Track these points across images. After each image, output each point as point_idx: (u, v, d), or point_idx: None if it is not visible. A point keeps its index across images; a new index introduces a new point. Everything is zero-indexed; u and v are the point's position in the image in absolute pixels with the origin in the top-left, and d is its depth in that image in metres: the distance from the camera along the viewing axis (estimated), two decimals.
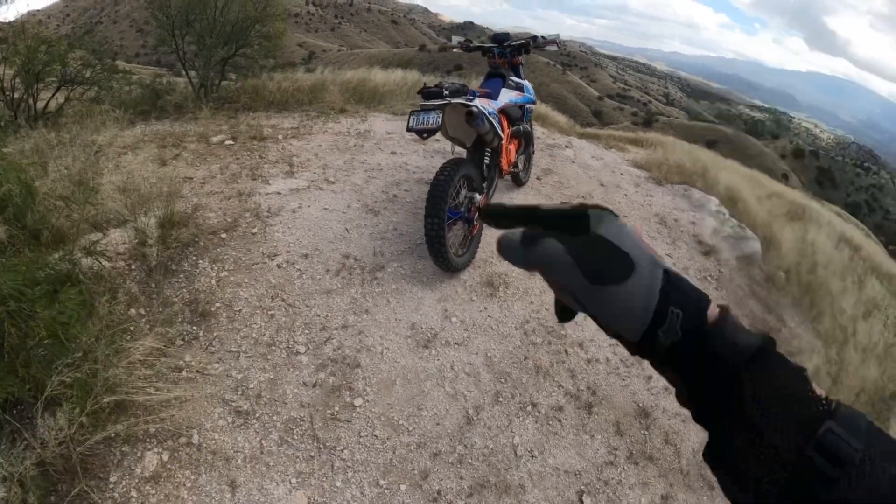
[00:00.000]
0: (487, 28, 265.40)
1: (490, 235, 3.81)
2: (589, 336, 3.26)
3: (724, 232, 4.95)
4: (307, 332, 2.69)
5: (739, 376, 0.35)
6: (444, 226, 2.89)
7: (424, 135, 2.86)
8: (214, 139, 4.58)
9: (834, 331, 4.22)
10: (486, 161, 3.45)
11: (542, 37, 4.16)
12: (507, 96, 3.79)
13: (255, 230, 3.31)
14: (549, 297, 3.27)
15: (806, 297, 4.78)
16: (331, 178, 4.14)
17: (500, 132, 3.39)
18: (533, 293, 3.50)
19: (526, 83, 4.16)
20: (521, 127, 4.05)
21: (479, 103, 3.10)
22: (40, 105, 4.65)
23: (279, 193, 3.76)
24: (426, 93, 2.89)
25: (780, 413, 0.33)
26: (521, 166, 4.58)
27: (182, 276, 2.85)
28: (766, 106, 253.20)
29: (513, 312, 3.26)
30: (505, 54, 4.09)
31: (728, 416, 0.35)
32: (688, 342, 0.37)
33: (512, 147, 3.97)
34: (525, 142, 4.26)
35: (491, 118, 3.19)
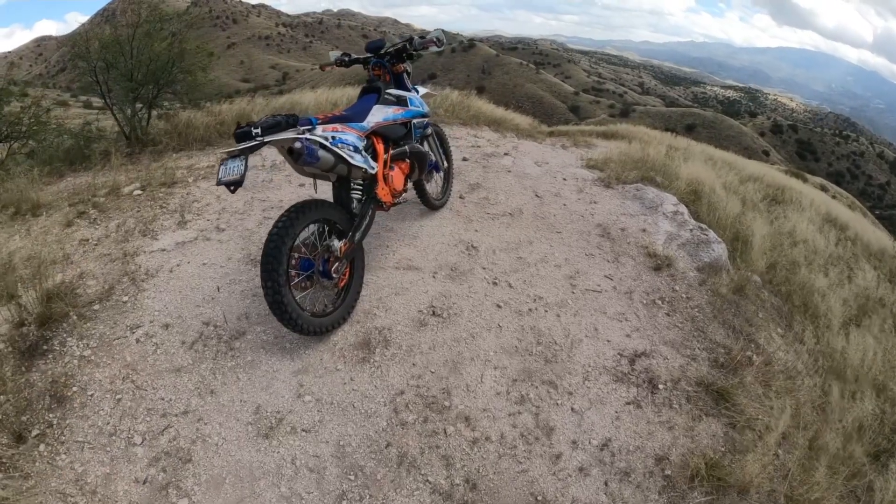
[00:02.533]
0: (458, 34, 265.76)
1: (378, 280, 3.18)
2: (482, 405, 2.57)
3: (682, 238, 4.19)
4: (148, 419, 2.46)
5: None
6: (282, 289, 2.46)
7: (232, 188, 2.28)
8: (125, 190, 4.44)
9: (820, 351, 3.43)
10: (354, 193, 2.97)
11: (420, 37, 3.50)
12: (380, 114, 3.14)
13: (125, 298, 3.12)
14: (438, 354, 2.84)
15: (786, 306, 4.02)
16: (222, 226, 3.91)
17: (360, 161, 2.80)
18: (419, 350, 2.83)
19: (411, 95, 3.48)
20: (407, 147, 3.35)
21: (318, 133, 2.57)
22: None
23: (164, 250, 3.58)
24: (238, 134, 2.33)
25: None
26: (431, 189, 4.06)
27: (50, 356, 2.71)
28: (740, 85, 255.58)
29: (386, 382, 2.68)
30: (383, 64, 3.45)
31: None
32: None
33: (396, 173, 3.29)
34: (418, 163, 3.53)
35: (336, 148, 2.63)
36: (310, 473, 2.27)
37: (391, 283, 3.33)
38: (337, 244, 2.76)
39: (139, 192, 4.41)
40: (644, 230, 4.25)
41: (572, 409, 2.64)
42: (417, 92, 3.70)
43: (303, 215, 2.54)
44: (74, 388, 2.57)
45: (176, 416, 2.48)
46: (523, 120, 8.43)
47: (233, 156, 2.31)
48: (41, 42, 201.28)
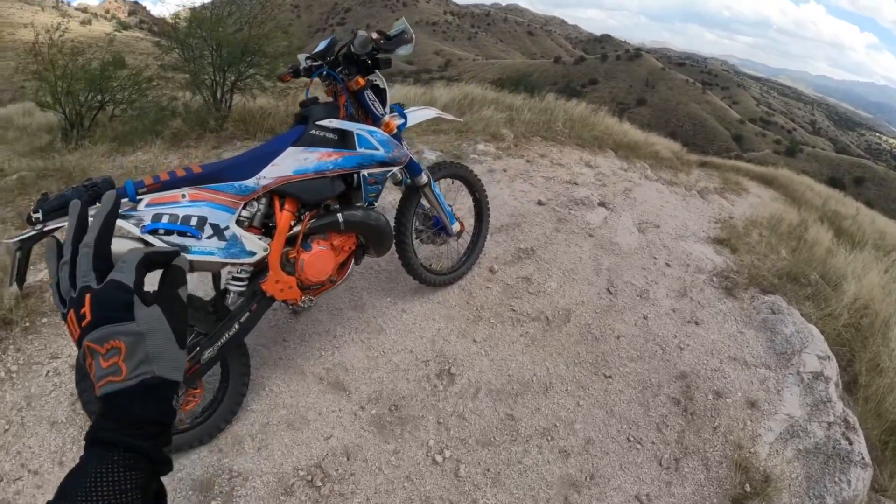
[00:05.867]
0: (625, 41, 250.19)
1: (284, 392, 2.17)
2: None
3: (809, 439, 2.37)
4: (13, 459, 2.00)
5: None
6: None
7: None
8: None
9: None
10: (231, 286, 2.00)
11: (386, 35, 2.19)
12: (291, 163, 1.97)
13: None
14: None
15: None
16: None
17: (207, 250, 1.78)
18: None
19: (360, 130, 2.14)
20: (340, 216, 2.10)
21: (139, 210, 1.70)
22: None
23: None
24: (30, 216, 1.57)
25: None
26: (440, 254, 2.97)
27: None
28: None
29: None
30: (335, 77, 2.17)
31: None
32: None
33: (317, 255, 2.07)
34: (371, 238, 2.25)
35: (149, 236, 1.68)
36: None
37: (296, 404, 2.25)
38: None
39: None
40: (753, 405, 2.46)
41: None
42: (405, 120, 2.34)
43: None
44: None
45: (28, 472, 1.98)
46: (666, 146, 6.51)
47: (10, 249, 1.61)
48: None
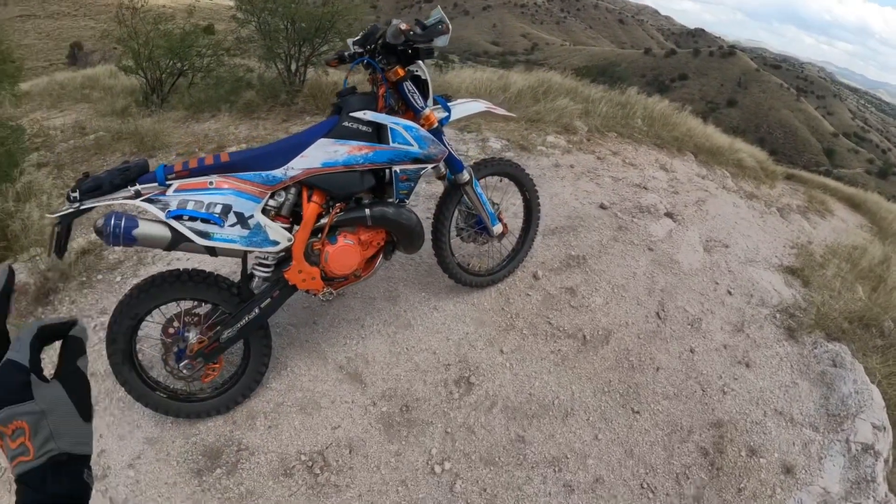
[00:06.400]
0: (720, 37, 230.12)
1: (303, 376, 2.23)
2: None
3: None
4: None
5: None
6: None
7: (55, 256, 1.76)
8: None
9: None
10: (256, 271, 2.04)
11: (422, 25, 2.10)
12: (320, 154, 1.94)
13: (119, 279, 2.87)
14: None
15: None
16: None
17: (229, 238, 1.83)
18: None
19: (395, 124, 2.06)
20: (368, 211, 2.06)
21: (168, 195, 1.77)
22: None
23: None
24: (68, 194, 1.69)
25: None
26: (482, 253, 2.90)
27: (49, 307, 2.66)
28: None
29: None
30: (375, 66, 2.10)
31: None
32: None
33: (343, 248, 2.05)
34: (401, 235, 2.20)
35: (174, 221, 1.75)
36: None
37: (313, 389, 2.29)
38: (193, 337, 1.95)
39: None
40: (789, 470, 2.19)
41: None
42: (448, 113, 2.25)
43: (158, 289, 1.90)
44: None
45: None
46: (751, 154, 5.97)
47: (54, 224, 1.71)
48: None
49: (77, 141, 4.59)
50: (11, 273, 0.53)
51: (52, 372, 0.51)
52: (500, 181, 2.83)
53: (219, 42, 6.00)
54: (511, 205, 3.07)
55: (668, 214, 3.85)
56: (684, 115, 5.57)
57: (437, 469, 2.01)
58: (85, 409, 0.51)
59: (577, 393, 2.35)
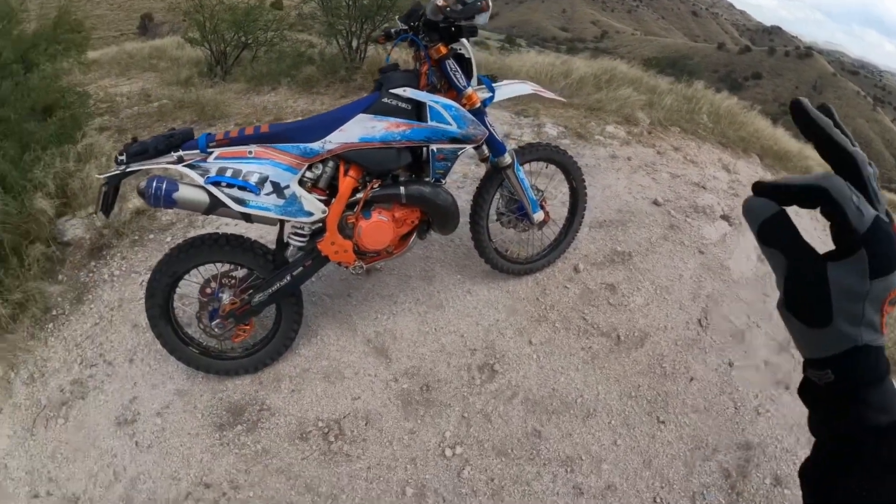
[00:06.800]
0: (796, 37, 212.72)
1: (332, 344, 2.31)
2: None
3: None
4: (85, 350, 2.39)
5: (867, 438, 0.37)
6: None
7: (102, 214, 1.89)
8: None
9: None
10: (291, 240, 2.10)
11: (462, 1, 2.03)
12: (358, 129, 1.96)
13: (169, 239, 3.02)
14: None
15: None
16: None
17: (263, 205, 1.90)
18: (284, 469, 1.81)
19: (434, 102, 2.03)
20: (402, 189, 2.07)
21: (209, 161, 1.84)
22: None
23: None
24: (116, 158, 1.82)
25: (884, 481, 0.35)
26: (520, 240, 2.86)
27: (101, 261, 2.84)
28: None
29: None
30: (418, 43, 2.09)
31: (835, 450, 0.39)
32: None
33: (376, 224, 2.07)
34: (435, 215, 2.19)
35: (212, 186, 1.84)
36: None
37: (339, 359, 2.36)
38: (226, 297, 2.04)
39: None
40: None
41: None
42: (492, 94, 2.21)
43: (197, 251, 1.99)
44: (89, 296, 2.65)
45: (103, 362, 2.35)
46: (821, 163, 5.56)
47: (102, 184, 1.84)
48: None
49: (141, 108, 4.80)
50: None
51: None
52: (546, 167, 2.75)
53: (282, 17, 6.10)
54: (560, 192, 2.99)
55: (725, 217, 3.65)
56: (752, 114, 5.23)
57: (448, 452, 2.02)
58: None
59: (602, 394, 2.29)
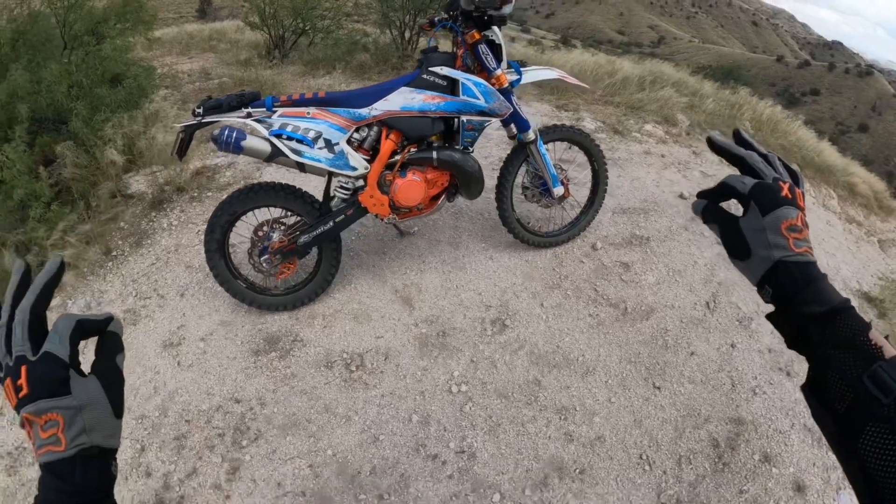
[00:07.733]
0: (857, 54, 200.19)
1: (363, 289, 2.58)
2: None
3: None
4: (153, 289, 2.71)
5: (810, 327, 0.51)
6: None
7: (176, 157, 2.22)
8: None
9: None
10: (337, 192, 2.42)
11: None
12: (400, 100, 2.27)
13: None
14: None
15: None
16: None
17: (316, 157, 2.22)
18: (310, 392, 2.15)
19: (466, 80, 2.32)
20: (434, 154, 2.36)
21: (273, 118, 2.17)
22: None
23: None
24: (194, 110, 2.15)
25: (842, 355, 0.47)
26: (545, 214, 3.13)
27: (161, 213, 3.22)
28: None
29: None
30: (455, 30, 2.37)
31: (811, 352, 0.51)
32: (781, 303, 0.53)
33: (409, 183, 2.36)
34: (462, 179, 2.45)
35: (275, 139, 2.17)
36: None
37: (368, 303, 2.65)
38: (276, 237, 2.36)
39: None
40: (800, 489, 2.11)
41: None
42: (520, 76, 2.50)
43: (255, 194, 2.31)
44: (147, 241, 3.01)
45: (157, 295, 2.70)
46: (867, 180, 5.48)
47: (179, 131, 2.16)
48: None
49: (202, 84, 5.22)
50: (62, 266, 0.53)
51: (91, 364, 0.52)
52: (570, 148, 2.96)
53: (339, 7, 6.47)
54: (585, 177, 3.17)
55: None
56: (795, 124, 5.21)
57: (454, 389, 2.25)
58: (118, 406, 0.51)
59: (603, 356, 2.47)
